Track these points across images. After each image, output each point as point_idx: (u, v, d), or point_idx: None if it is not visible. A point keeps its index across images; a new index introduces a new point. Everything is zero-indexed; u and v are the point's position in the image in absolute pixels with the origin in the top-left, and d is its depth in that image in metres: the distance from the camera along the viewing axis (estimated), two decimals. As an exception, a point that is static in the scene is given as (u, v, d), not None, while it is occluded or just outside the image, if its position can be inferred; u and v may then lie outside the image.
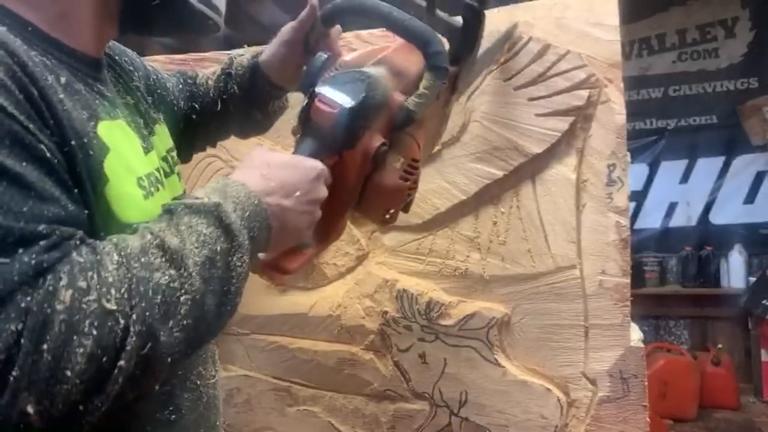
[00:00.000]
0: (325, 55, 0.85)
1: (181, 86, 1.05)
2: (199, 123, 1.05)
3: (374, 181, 0.83)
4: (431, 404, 1.28)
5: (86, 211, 0.61)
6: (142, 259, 0.55)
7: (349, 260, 1.34)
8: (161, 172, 0.81)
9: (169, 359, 0.55)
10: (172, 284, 0.55)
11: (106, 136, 0.68)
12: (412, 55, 0.87)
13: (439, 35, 0.86)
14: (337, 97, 0.77)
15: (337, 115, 0.76)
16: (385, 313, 1.28)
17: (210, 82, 1.07)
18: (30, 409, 0.48)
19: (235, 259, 0.61)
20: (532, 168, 1.18)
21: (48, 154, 0.57)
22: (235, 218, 0.62)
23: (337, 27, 0.96)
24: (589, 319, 1.15)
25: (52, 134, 0.59)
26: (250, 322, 1.41)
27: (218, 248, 0.59)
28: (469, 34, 0.96)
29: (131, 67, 0.90)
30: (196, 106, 1.05)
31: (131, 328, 0.51)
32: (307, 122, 0.79)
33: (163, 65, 1.29)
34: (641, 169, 4.07)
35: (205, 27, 0.83)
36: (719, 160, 4.00)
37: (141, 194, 0.72)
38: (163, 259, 0.56)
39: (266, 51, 1.01)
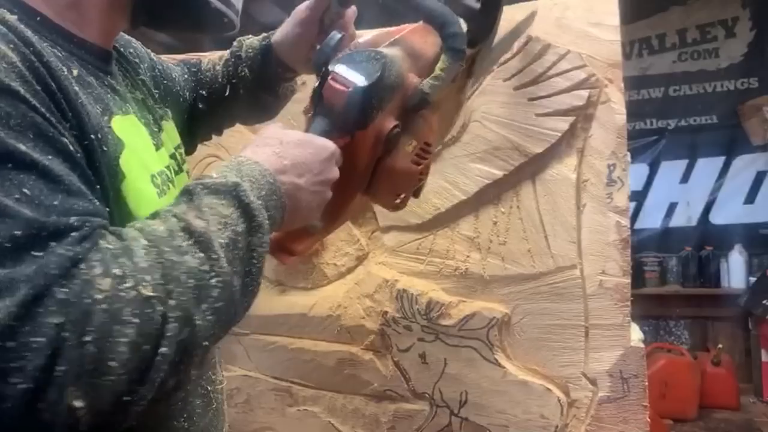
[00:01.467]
0: (340, 35, 0.83)
1: (186, 76, 1.03)
2: (205, 111, 1.03)
3: (385, 163, 0.81)
4: (431, 404, 1.27)
5: (107, 208, 0.60)
6: (172, 243, 0.54)
7: (349, 260, 1.34)
8: (171, 170, 0.80)
9: (205, 343, 0.55)
10: (202, 267, 0.54)
11: (120, 131, 0.67)
12: (428, 37, 0.86)
13: (458, 17, 0.84)
14: (351, 76, 0.75)
15: (351, 94, 0.74)
16: (385, 313, 1.28)
17: (218, 67, 1.05)
18: (78, 404, 0.46)
19: (255, 239, 0.60)
20: (532, 168, 1.18)
21: (71, 148, 0.56)
22: (253, 198, 0.61)
23: (353, 8, 0.94)
24: (590, 319, 1.14)
25: (72, 128, 0.58)
26: (250, 322, 1.41)
27: (239, 229, 0.58)
28: (487, 17, 0.94)
29: (137, 59, 0.88)
30: (203, 93, 1.03)
31: (169, 314, 0.51)
32: (319, 101, 0.77)
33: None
34: (641, 169, 4.07)
35: (221, 25, 0.82)
36: (719, 160, 4.00)
37: (155, 192, 0.71)
38: (191, 242, 0.55)
39: (279, 31, 0.99)
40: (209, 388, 0.81)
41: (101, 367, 0.47)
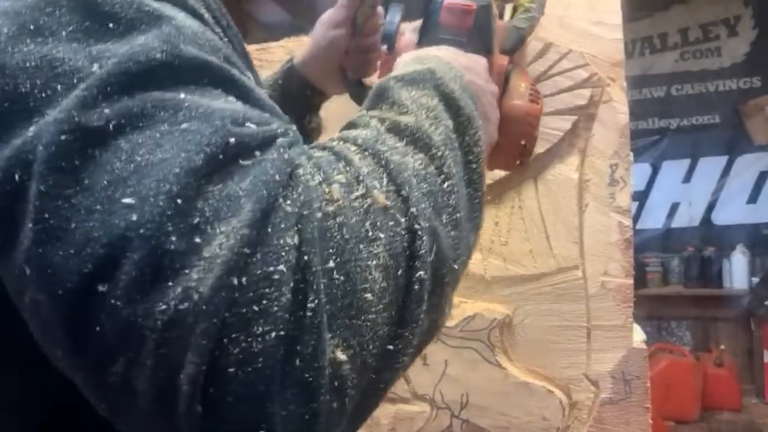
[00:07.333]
0: (399, 5, 0.75)
1: None
2: None
3: (507, 103, 0.72)
4: (432, 406, 1.27)
5: None
6: (387, 142, 0.42)
7: (349, 261, 1.34)
8: None
9: (455, 266, 0.42)
10: (428, 169, 0.42)
11: None
12: None
13: None
14: None
15: (477, 12, 0.67)
16: (386, 313, 1.27)
17: None
18: (342, 355, 0.34)
19: (467, 138, 0.48)
20: (534, 168, 1.17)
21: (253, 80, 0.46)
22: (453, 87, 0.49)
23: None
24: (592, 320, 1.14)
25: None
26: (250, 323, 1.40)
27: (449, 125, 0.47)
28: None
29: None
30: None
31: (416, 226, 0.38)
32: (434, 32, 0.68)
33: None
34: (643, 169, 4.07)
35: None
36: (722, 160, 3.99)
37: None
38: (405, 141, 0.43)
39: (303, 49, 0.91)
40: None
41: (356, 301, 0.35)
